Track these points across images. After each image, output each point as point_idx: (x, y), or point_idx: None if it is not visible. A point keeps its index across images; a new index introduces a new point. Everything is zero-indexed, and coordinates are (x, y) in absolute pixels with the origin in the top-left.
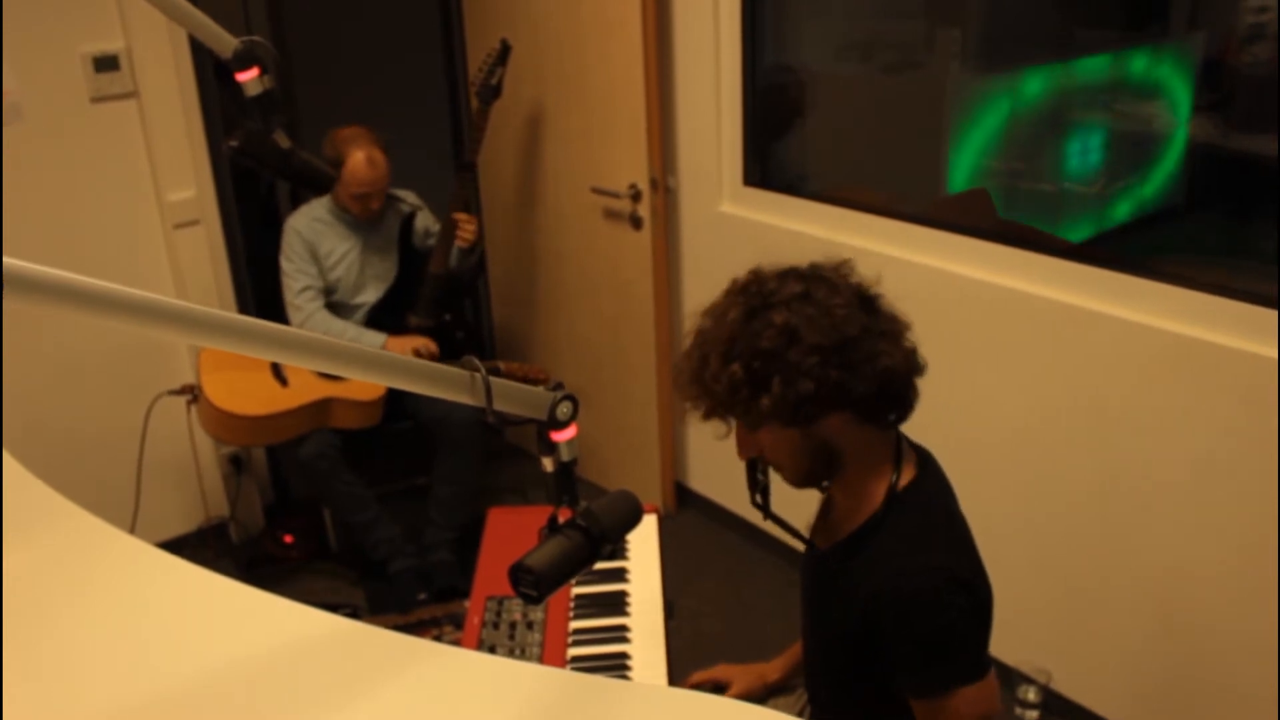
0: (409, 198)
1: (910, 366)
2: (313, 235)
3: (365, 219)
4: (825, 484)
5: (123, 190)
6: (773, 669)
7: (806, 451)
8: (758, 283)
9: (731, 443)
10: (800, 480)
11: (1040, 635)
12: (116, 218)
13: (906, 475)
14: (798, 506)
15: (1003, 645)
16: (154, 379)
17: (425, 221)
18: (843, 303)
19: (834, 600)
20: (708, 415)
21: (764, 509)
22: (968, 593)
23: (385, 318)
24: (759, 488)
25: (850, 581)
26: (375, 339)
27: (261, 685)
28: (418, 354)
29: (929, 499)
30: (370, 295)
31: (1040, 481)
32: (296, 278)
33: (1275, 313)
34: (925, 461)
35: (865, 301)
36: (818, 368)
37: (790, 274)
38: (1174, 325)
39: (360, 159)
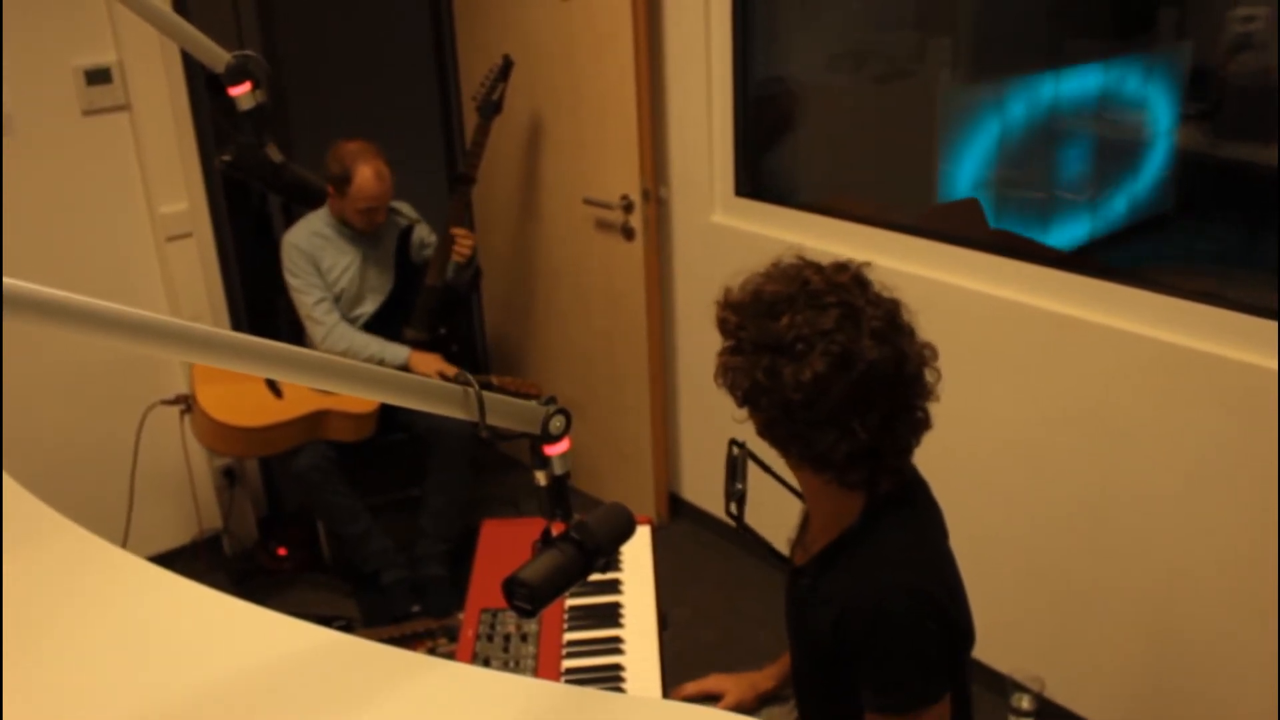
0: (406, 210)
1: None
2: (313, 249)
3: (369, 233)
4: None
5: (115, 203)
6: (765, 678)
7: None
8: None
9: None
10: None
11: (1034, 643)
12: (108, 230)
13: (884, 486)
14: (780, 517)
15: (997, 652)
16: (146, 389)
17: (422, 234)
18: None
19: (811, 614)
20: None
21: (738, 519)
22: (939, 615)
23: (381, 330)
24: (735, 496)
25: (825, 597)
26: (399, 353)
27: (254, 701)
28: (443, 376)
29: (907, 514)
30: (367, 307)
31: (1034, 491)
32: (309, 292)
33: (1274, 324)
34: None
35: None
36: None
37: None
38: (1168, 335)
39: (369, 174)
